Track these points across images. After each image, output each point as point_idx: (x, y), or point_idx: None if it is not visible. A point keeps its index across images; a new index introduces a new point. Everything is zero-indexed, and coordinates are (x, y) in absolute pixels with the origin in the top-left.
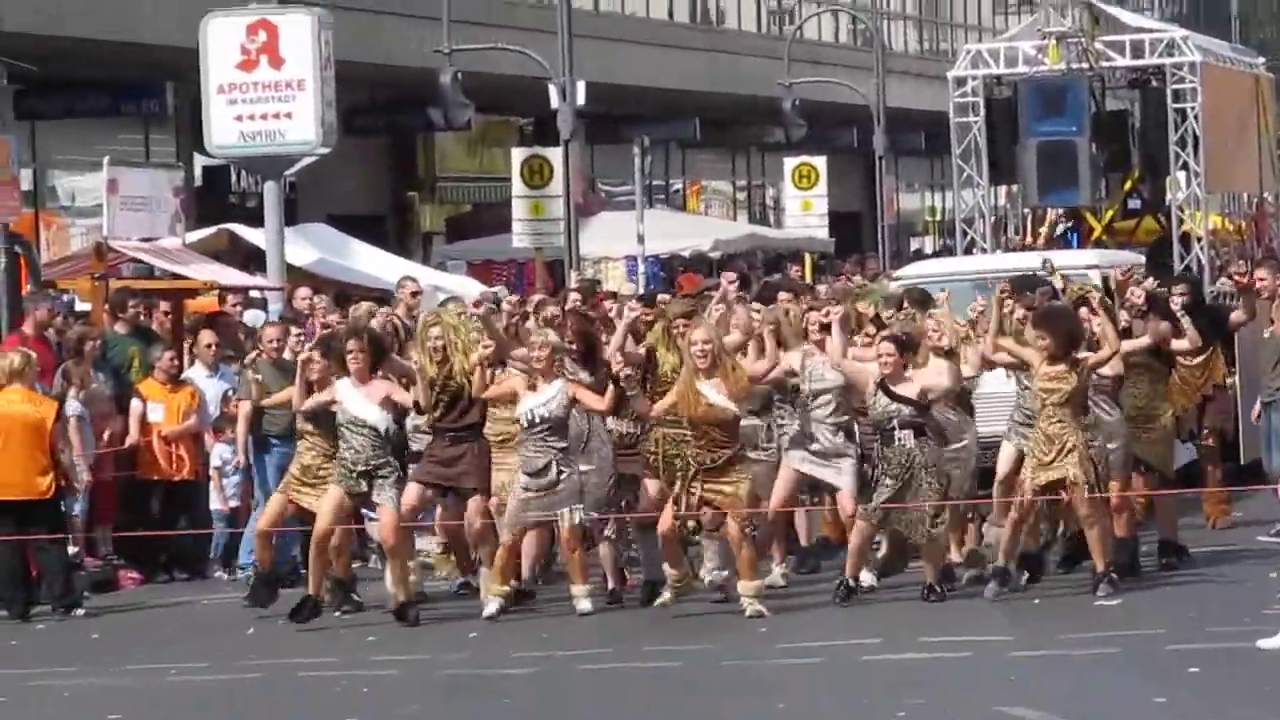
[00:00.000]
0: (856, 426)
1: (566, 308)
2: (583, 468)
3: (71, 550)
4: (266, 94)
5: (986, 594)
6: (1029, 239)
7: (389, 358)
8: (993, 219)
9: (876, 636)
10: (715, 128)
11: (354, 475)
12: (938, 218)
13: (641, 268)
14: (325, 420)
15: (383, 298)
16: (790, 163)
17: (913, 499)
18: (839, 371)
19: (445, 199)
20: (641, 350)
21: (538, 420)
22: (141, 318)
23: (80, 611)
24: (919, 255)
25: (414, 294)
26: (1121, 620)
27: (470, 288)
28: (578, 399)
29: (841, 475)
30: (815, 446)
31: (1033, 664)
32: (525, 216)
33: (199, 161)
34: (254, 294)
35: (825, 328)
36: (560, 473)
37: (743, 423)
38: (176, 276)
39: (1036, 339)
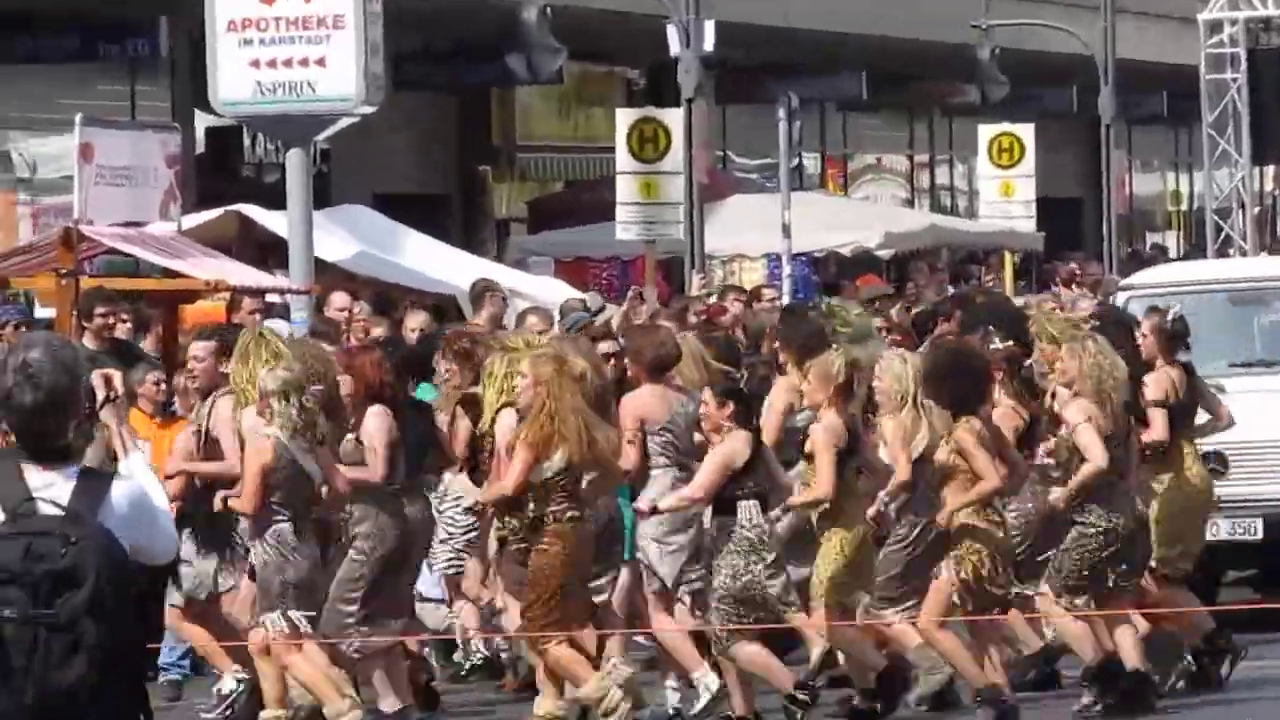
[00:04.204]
0: None
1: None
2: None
3: None
4: (292, 34)
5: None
6: None
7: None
8: (1255, 209)
9: None
10: (887, 85)
11: None
12: (1183, 206)
13: (787, 269)
14: None
15: (439, 305)
16: (987, 132)
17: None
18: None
19: (528, 175)
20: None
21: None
22: (119, 329)
23: None
24: (1154, 258)
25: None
26: None
27: (558, 293)
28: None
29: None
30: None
31: None
32: (633, 200)
33: (201, 122)
34: (273, 298)
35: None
36: None
37: None
38: (170, 274)
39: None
